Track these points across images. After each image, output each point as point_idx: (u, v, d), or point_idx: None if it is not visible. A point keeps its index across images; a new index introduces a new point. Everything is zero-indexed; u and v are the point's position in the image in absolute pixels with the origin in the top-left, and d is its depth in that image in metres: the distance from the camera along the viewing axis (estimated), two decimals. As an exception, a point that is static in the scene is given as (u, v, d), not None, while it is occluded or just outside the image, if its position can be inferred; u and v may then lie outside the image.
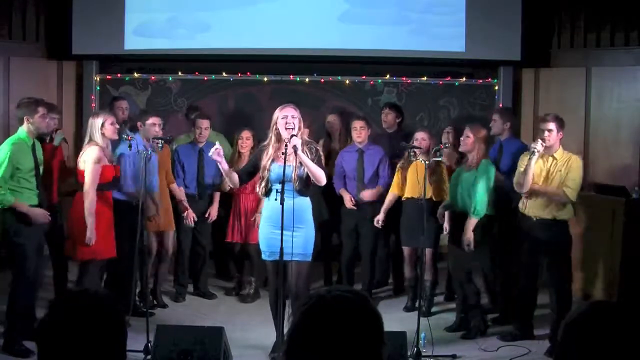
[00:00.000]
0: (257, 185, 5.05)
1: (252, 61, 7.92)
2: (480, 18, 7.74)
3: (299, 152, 4.76)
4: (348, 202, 6.30)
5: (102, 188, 5.34)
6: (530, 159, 5.23)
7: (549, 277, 5.40)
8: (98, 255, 5.30)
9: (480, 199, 5.42)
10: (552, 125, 5.25)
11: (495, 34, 7.73)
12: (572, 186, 5.23)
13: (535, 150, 5.19)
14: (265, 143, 5.05)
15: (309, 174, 4.88)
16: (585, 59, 7.55)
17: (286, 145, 4.80)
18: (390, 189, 6.20)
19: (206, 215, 6.46)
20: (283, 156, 4.75)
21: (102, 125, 5.36)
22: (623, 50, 7.27)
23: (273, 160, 4.93)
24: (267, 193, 4.97)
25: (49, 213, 5.08)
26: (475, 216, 5.43)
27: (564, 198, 5.25)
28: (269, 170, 4.92)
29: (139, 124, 5.98)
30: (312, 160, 4.88)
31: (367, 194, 6.26)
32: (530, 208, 5.39)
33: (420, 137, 5.96)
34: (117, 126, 5.49)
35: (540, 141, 5.22)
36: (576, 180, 5.26)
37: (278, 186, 4.79)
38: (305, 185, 4.97)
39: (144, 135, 5.88)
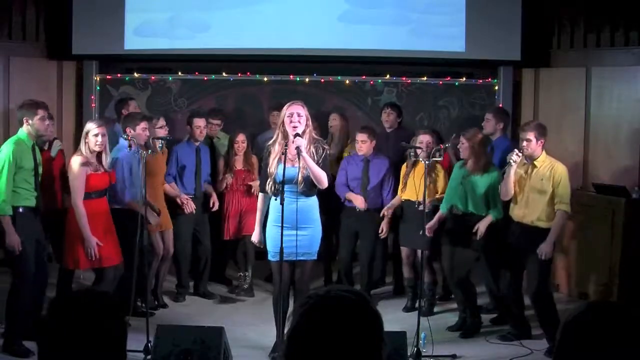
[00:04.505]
0: (266, 185, 5.02)
1: (252, 61, 7.90)
2: (480, 18, 7.73)
3: (303, 153, 4.75)
4: (361, 203, 6.17)
5: (95, 196, 5.29)
6: (507, 169, 5.32)
7: (528, 283, 5.45)
8: (96, 263, 5.27)
9: (500, 203, 5.51)
10: (530, 135, 5.28)
11: (495, 34, 7.72)
12: (564, 201, 5.28)
13: (511, 161, 5.25)
14: (272, 141, 5.03)
15: (311, 177, 4.87)
16: (585, 59, 7.54)
17: (286, 146, 4.80)
18: (398, 192, 6.20)
19: (210, 205, 6.50)
20: (283, 156, 4.74)
21: (87, 135, 5.23)
22: (623, 50, 7.26)
23: (279, 160, 4.89)
24: (276, 193, 4.92)
25: (21, 248, 4.96)
26: (494, 217, 5.52)
27: (565, 216, 5.33)
28: (275, 170, 4.90)
29: (128, 129, 5.66)
30: (318, 160, 4.87)
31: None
32: (515, 214, 5.45)
33: (426, 141, 5.91)
34: (100, 141, 5.19)
35: (516, 151, 5.26)
36: (566, 194, 5.29)
37: (287, 186, 4.78)
38: (311, 186, 4.94)
39: (135, 140, 5.61)
